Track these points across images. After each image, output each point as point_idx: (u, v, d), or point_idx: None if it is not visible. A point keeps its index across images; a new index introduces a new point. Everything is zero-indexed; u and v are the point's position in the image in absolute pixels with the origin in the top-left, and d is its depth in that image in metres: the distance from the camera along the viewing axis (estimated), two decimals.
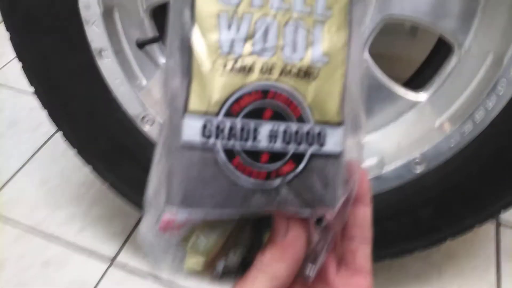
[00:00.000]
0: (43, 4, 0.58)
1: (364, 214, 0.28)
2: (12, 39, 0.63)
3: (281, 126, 0.24)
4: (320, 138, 0.25)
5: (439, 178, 0.58)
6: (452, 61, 0.58)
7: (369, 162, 0.62)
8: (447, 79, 0.59)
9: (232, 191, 0.24)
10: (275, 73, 0.24)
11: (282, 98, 0.24)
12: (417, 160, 0.58)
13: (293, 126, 0.24)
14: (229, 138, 0.24)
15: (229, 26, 0.24)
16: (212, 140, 0.24)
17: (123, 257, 0.86)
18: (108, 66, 0.60)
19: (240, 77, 0.24)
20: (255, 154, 0.24)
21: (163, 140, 0.25)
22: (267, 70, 0.24)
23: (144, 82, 0.64)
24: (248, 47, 0.24)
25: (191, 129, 0.24)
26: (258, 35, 0.24)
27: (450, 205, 0.60)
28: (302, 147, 0.24)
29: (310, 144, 0.25)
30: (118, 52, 0.61)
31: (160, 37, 0.65)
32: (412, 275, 0.81)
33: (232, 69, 0.24)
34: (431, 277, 0.81)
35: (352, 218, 0.28)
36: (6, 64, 1.32)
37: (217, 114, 0.24)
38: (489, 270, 0.82)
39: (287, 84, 0.24)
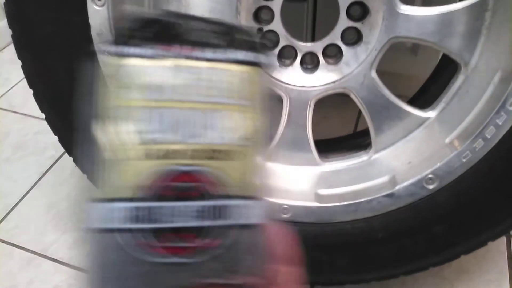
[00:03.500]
0: (56, 32, 0.59)
1: (293, 274, 0.30)
2: (24, 67, 0.64)
3: (199, 204, 0.26)
4: (238, 212, 0.27)
5: (453, 194, 0.58)
6: (459, 79, 0.59)
7: (380, 180, 0.63)
8: (454, 97, 0.60)
9: (154, 270, 0.25)
10: (190, 156, 0.25)
11: (198, 178, 0.25)
12: (429, 177, 0.59)
13: (211, 203, 0.26)
14: (145, 221, 0.25)
15: (143, 118, 0.25)
16: (128, 224, 0.25)
17: None
18: None
19: (153, 163, 0.25)
20: (173, 233, 0.25)
21: (84, 230, 0.26)
22: (182, 154, 0.25)
23: None
24: (161, 136, 0.25)
25: (108, 215, 0.25)
26: (172, 124, 0.25)
27: (464, 221, 0.60)
28: (220, 222, 0.26)
29: (229, 218, 0.26)
30: None
31: None
32: None
33: (145, 156, 0.25)
34: None
35: (283, 279, 0.30)
36: (10, 89, 1.33)
37: (134, 199, 0.25)
38: (502, 283, 0.81)
39: (203, 165, 0.26)
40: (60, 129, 0.66)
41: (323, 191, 0.65)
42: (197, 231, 0.25)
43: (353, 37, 0.61)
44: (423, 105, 0.64)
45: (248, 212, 0.27)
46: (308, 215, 0.64)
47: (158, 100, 0.25)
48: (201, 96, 0.26)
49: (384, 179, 0.63)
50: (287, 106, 0.64)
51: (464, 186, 0.58)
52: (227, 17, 0.60)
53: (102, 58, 0.26)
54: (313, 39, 0.62)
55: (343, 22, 0.59)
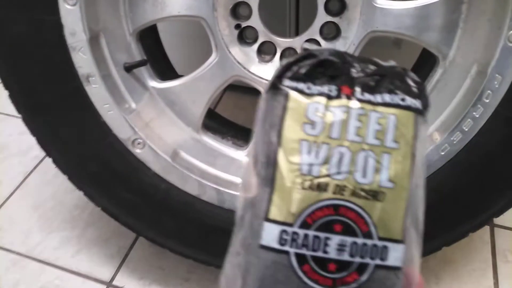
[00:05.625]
0: (29, 32, 0.58)
1: None
2: None
3: (349, 240, 0.28)
4: (383, 253, 0.28)
5: (432, 187, 0.58)
6: (438, 72, 0.59)
7: None
8: (433, 89, 0.60)
9: None
10: (346, 193, 0.28)
11: (351, 215, 0.28)
12: None
13: (360, 241, 0.28)
14: (301, 247, 0.28)
15: (309, 152, 0.28)
16: (287, 246, 0.28)
17: (120, 280, 0.85)
18: (96, 92, 0.60)
19: (315, 194, 0.28)
20: (323, 263, 0.28)
21: (242, 239, 0.29)
22: (339, 190, 0.28)
23: (133, 105, 0.64)
24: (324, 170, 0.28)
25: (270, 235, 0.28)
26: (334, 161, 0.28)
27: (444, 213, 0.60)
28: (366, 260, 0.28)
29: (374, 258, 0.28)
30: (106, 77, 0.61)
31: (147, 60, 0.65)
32: None
33: (308, 187, 0.28)
34: (429, 283, 0.81)
35: None
36: None
37: (293, 224, 0.28)
38: (486, 273, 0.82)
39: (356, 203, 0.28)
40: (37, 130, 0.65)
41: None
42: (337, 264, 0.28)
43: (332, 32, 0.61)
44: None
45: (386, 254, 0.28)
46: None
47: (324, 137, 0.28)
48: (356, 137, 0.28)
49: None
50: None
51: (443, 179, 0.58)
52: (204, 14, 0.59)
53: (291, 93, 0.29)
54: (297, 34, 0.61)
55: (322, 17, 0.59)
